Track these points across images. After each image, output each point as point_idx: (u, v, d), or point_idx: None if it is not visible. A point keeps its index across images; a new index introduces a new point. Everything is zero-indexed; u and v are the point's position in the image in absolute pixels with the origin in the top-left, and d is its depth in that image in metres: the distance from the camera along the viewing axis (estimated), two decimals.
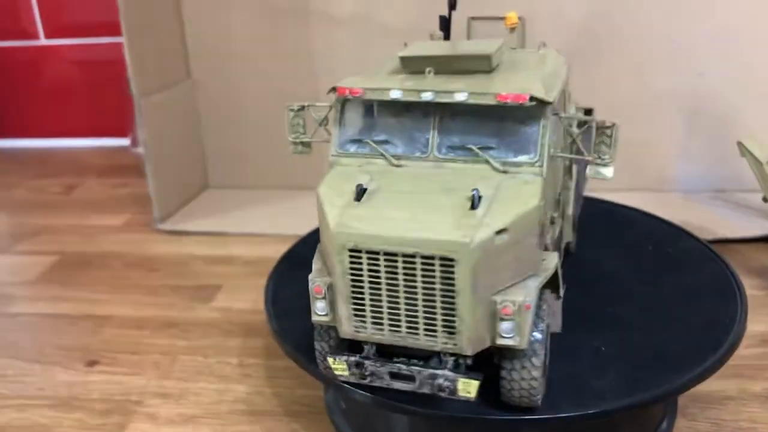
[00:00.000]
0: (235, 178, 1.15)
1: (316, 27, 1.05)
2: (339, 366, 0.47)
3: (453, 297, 0.43)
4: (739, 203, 0.96)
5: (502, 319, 0.44)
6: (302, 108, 0.53)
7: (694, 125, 1.00)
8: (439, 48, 0.52)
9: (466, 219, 0.43)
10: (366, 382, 0.47)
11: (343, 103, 0.51)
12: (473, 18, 0.65)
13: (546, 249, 0.50)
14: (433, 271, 0.43)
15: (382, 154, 0.49)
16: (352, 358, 0.47)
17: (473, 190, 0.44)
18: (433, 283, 0.43)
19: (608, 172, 0.46)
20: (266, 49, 1.08)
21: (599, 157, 0.46)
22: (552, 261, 0.48)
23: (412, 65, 0.50)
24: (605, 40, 1.00)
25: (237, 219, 1.03)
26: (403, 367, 0.46)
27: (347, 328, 0.46)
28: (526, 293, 0.44)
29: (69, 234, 1.05)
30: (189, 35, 1.10)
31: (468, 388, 0.44)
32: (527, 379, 0.45)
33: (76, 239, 1.03)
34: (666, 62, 1.00)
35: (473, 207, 0.43)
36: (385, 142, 0.50)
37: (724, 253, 0.80)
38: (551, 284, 0.49)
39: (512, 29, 0.57)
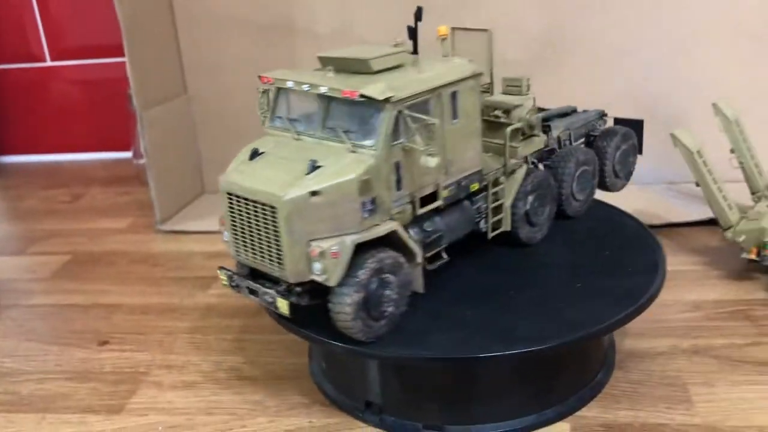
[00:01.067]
0: None
1: (301, 43, 1.15)
2: (222, 277, 0.64)
3: (278, 236, 0.56)
4: (687, 193, 1.05)
5: (313, 260, 0.55)
6: (266, 91, 0.65)
7: (645, 125, 1.10)
8: (343, 51, 0.63)
9: (295, 180, 0.55)
10: (235, 291, 0.63)
11: (278, 89, 0.63)
12: (455, 28, 0.74)
13: (386, 217, 0.58)
14: (266, 214, 0.56)
15: (287, 129, 0.62)
16: (227, 271, 0.63)
17: (311, 160, 0.56)
18: (267, 223, 0.56)
19: (431, 162, 0.57)
20: (255, 64, 1.17)
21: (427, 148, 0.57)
22: (384, 227, 0.58)
23: (324, 63, 0.64)
24: (561, 50, 1.10)
25: None
26: (252, 283, 0.61)
27: (232, 251, 0.62)
28: (337, 244, 0.55)
29: (78, 236, 1.15)
30: (185, 53, 1.20)
31: (282, 306, 0.58)
32: (341, 312, 0.57)
33: (85, 240, 1.13)
34: (616, 68, 1.10)
35: (308, 173, 0.56)
36: (296, 120, 0.62)
37: (671, 237, 0.91)
38: (402, 249, 0.60)
39: (443, 40, 0.67)
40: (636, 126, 0.84)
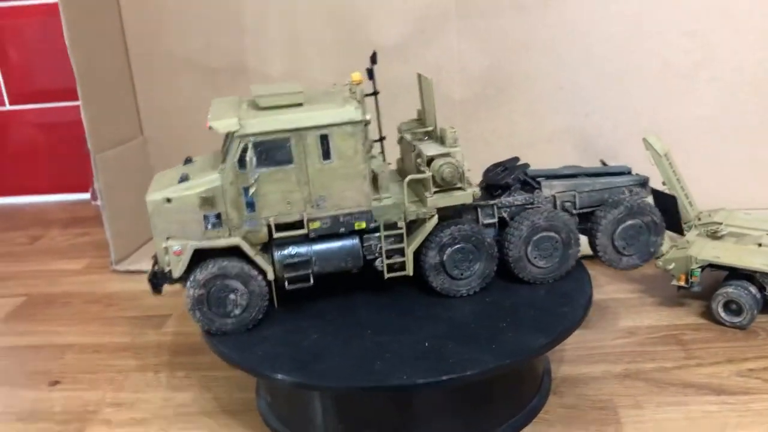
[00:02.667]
0: None
1: (252, 85, 1.19)
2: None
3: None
4: None
5: (165, 254, 0.67)
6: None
7: (585, 158, 1.14)
8: (257, 90, 0.70)
9: (164, 188, 0.67)
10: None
11: None
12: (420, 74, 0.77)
13: (236, 233, 0.68)
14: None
15: None
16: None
17: (183, 174, 0.68)
18: None
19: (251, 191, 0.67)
20: (207, 108, 1.21)
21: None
22: (225, 241, 0.67)
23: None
24: (504, 89, 1.15)
25: None
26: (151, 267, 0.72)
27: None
28: (180, 245, 0.67)
29: (34, 278, 1.15)
30: (140, 96, 1.23)
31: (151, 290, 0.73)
32: (188, 305, 0.68)
33: (41, 282, 1.13)
34: (557, 105, 1.15)
35: (178, 183, 0.67)
36: None
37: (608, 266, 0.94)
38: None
39: (357, 84, 0.70)
40: (666, 202, 0.80)
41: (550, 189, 0.76)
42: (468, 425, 0.66)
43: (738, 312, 0.82)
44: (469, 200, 0.70)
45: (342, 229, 0.69)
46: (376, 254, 0.70)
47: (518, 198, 0.75)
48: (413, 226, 0.71)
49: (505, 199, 0.75)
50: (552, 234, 0.73)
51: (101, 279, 1.13)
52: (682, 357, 0.78)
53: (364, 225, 0.69)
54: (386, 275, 0.71)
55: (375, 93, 0.74)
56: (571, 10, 1.11)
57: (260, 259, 0.68)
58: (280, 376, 0.62)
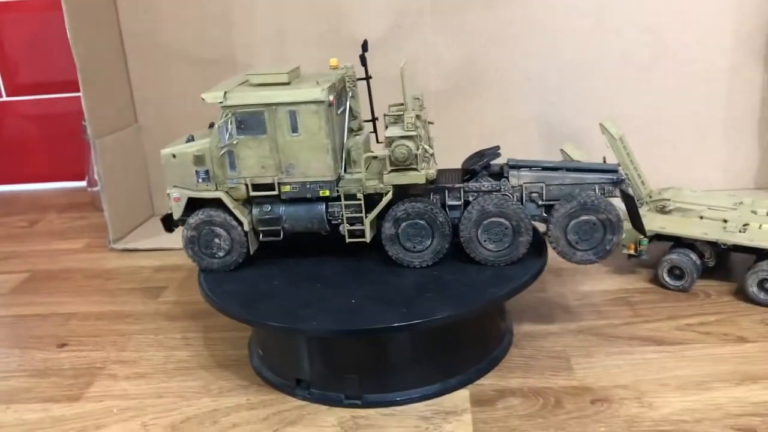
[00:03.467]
0: None
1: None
2: None
3: None
4: None
5: (169, 199, 0.82)
6: None
7: (551, 145, 1.24)
8: (256, 71, 0.81)
9: (174, 146, 0.81)
10: None
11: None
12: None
13: (221, 188, 0.80)
14: None
15: None
16: None
17: (191, 135, 0.83)
18: None
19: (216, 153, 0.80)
20: (198, 98, 1.28)
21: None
22: (211, 193, 0.80)
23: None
24: (476, 79, 1.24)
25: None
26: None
27: None
28: (179, 192, 0.81)
29: (35, 257, 1.23)
30: (135, 87, 1.31)
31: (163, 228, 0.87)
32: (183, 243, 0.83)
33: (43, 260, 1.21)
34: (526, 95, 1.24)
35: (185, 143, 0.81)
36: None
37: None
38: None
39: (334, 68, 0.82)
40: (628, 202, 0.79)
41: (517, 179, 0.78)
42: (438, 369, 0.75)
43: (680, 276, 0.91)
44: (421, 180, 0.75)
45: (309, 195, 0.79)
46: (339, 220, 0.80)
47: (484, 184, 0.78)
48: (377, 198, 0.79)
49: (471, 184, 0.79)
50: (501, 220, 0.77)
51: (100, 257, 1.21)
52: (630, 315, 0.87)
53: (327, 193, 0.79)
54: (347, 239, 0.80)
55: (368, 77, 0.83)
56: (537, 6, 1.20)
57: (238, 212, 0.79)
58: (232, 311, 0.75)
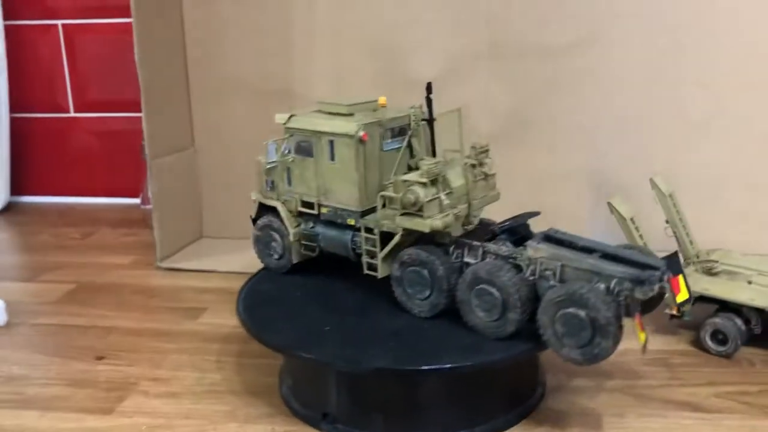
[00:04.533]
0: (226, 230, 1.37)
1: (298, 108, 1.30)
2: None
3: None
4: None
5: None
6: None
7: (599, 195, 1.22)
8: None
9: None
10: None
11: None
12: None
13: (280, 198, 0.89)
14: None
15: None
16: None
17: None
18: None
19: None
20: (257, 125, 1.32)
21: None
22: (272, 201, 0.89)
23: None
24: (528, 126, 1.24)
25: (224, 260, 1.25)
26: None
27: None
28: (255, 197, 0.92)
29: (84, 269, 1.27)
30: (195, 111, 1.35)
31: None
32: (252, 240, 0.94)
33: (90, 272, 1.25)
34: (576, 144, 1.23)
35: None
36: None
37: None
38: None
39: (382, 106, 0.84)
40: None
41: (535, 252, 0.72)
42: (466, 415, 0.74)
43: (724, 341, 0.89)
44: (424, 229, 0.73)
45: (339, 220, 0.83)
46: (360, 251, 0.82)
47: (502, 249, 0.74)
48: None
49: (491, 245, 0.75)
50: (492, 289, 0.71)
51: (146, 274, 1.24)
52: (668, 377, 0.85)
53: (353, 222, 0.82)
54: (365, 270, 0.81)
55: (431, 119, 0.84)
56: (594, 56, 1.20)
57: (288, 223, 0.87)
58: (264, 337, 0.77)
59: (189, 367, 0.91)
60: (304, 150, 0.84)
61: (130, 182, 1.60)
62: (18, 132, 1.69)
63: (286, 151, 0.86)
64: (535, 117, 1.24)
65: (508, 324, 0.71)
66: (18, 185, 1.72)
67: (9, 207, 1.69)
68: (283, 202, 0.88)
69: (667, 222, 1.03)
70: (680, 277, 0.74)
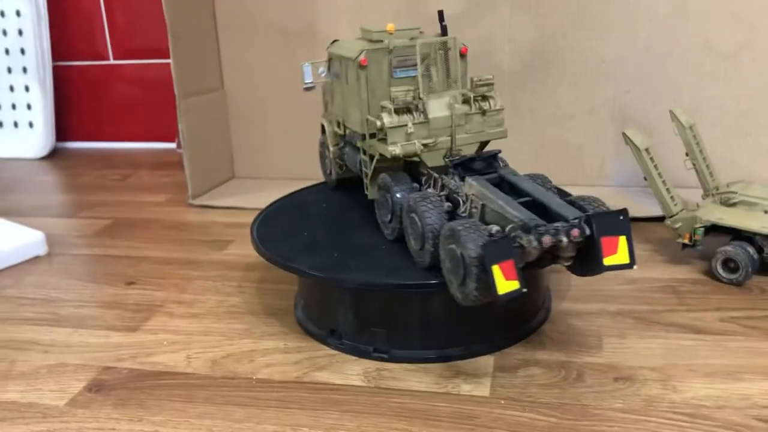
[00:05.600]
0: (256, 170, 1.42)
1: (322, 48, 1.31)
2: None
3: None
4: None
5: None
6: None
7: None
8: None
9: None
10: None
11: None
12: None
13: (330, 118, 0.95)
14: None
15: None
16: None
17: None
18: None
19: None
20: (283, 66, 1.35)
21: None
22: (323, 119, 0.98)
23: None
24: (550, 61, 1.23)
25: (252, 198, 1.29)
26: None
27: None
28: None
29: (121, 206, 1.33)
30: (223, 53, 1.38)
31: None
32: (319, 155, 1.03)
33: (127, 209, 1.31)
34: (599, 79, 1.22)
35: None
36: None
37: (632, 228, 1.00)
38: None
39: (390, 33, 0.83)
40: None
41: (468, 188, 0.71)
42: (466, 333, 0.76)
43: (735, 269, 0.88)
44: (386, 154, 0.76)
45: (353, 142, 0.87)
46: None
47: (451, 183, 0.74)
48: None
49: (445, 179, 0.75)
50: (416, 218, 0.72)
51: (178, 210, 1.29)
52: (675, 303, 0.86)
53: (360, 145, 0.84)
54: (365, 191, 0.86)
55: (446, 48, 0.82)
56: None
57: (329, 141, 0.95)
58: (276, 258, 0.80)
59: (212, 291, 0.96)
60: (335, 73, 0.88)
61: (168, 127, 1.66)
62: (60, 80, 1.76)
63: (322, 74, 0.91)
64: (558, 51, 1.23)
65: (425, 254, 0.71)
66: (63, 132, 1.80)
67: (55, 152, 1.77)
68: (329, 122, 0.94)
69: (687, 154, 1.02)
70: (620, 239, 0.62)
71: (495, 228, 0.64)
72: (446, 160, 0.76)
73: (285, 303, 0.91)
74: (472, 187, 0.70)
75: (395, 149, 0.75)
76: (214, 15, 1.36)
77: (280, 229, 0.87)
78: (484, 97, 0.78)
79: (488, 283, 0.59)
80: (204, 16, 1.34)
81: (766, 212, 0.92)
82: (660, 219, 1.08)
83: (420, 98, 0.77)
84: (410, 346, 0.76)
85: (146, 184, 1.47)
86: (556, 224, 0.62)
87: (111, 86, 1.75)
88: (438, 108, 0.77)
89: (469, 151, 0.78)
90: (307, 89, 0.90)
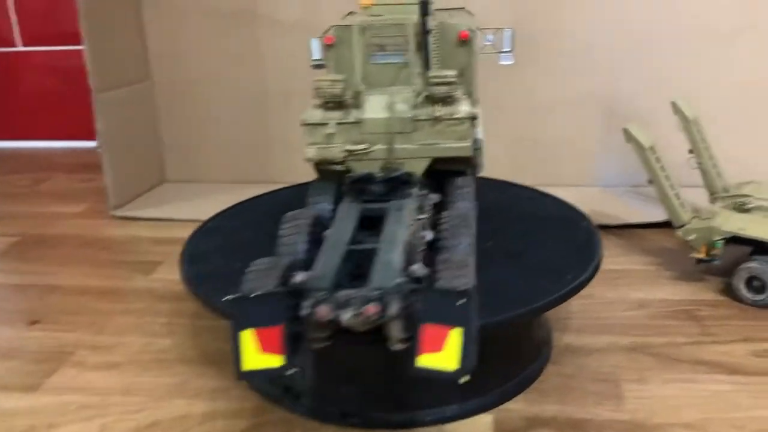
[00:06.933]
0: (190, 173, 1.23)
1: (263, 31, 1.14)
2: None
3: None
4: (649, 195, 1.03)
5: None
6: None
7: (611, 125, 1.08)
8: None
9: None
10: None
11: None
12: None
13: None
14: None
15: None
16: None
17: None
18: None
19: None
20: (220, 52, 1.17)
21: None
22: None
23: None
24: (531, 46, 1.08)
25: (185, 208, 1.11)
26: None
27: None
28: None
29: (31, 219, 1.13)
30: (150, 40, 1.19)
31: None
32: None
33: (38, 223, 1.11)
34: (585, 65, 1.08)
35: None
36: None
37: (626, 237, 0.87)
38: None
39: (366, 7, 0.65)
40: None
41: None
42: (457, 387, 0.61)
43: (761, 289, 0.76)
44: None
45: None
46: None
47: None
48: None
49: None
50: None
51: (98, 223, 1.10)
52: (696, 333, 0.72)
53: None
54: None
55: (426, 31, 0.64)
56: None
57: None
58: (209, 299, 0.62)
59: (136, 331, 0.78)
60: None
61: (89, 123, 1.45)
62: None
63: None
64: (537, 36, 1.08)
65: None
66: None
67: None
68: None
69: (690, 152, 0.89)
70: (451, 332, 0.43)
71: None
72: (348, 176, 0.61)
73: (226, 346, 0.73)
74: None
75: (309, 152, 0.61)
76: None
77: (216, 262, 0.70)
78: (446, 100, 0.61)
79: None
80: None
81: None
82: (658, 226, 0.95)
83: (358, 92, 0.61)
84: (388, 406, 0.61)
85: (62, 190, 1.27)
86: (358, 291, 0.45)
87: (19, 76, 1.53)
88: (377, 107, 0.61)
89: (417, 166, 0.62)
90: (317, 67, 0.68)
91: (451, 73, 0.60)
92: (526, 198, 0.83)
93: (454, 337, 0.42)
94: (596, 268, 0.64)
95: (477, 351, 0.43)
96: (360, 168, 0.61)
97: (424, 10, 0.62)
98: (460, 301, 0.42)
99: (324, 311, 0.44)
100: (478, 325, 0.43)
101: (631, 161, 0.95)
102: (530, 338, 0.67)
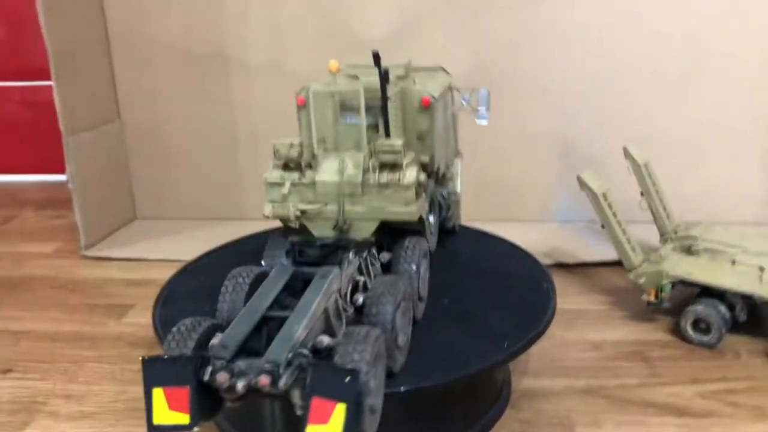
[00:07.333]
0: (161, 210, 1.25)
1: (233, 74, 1.17)
2: None
3: None
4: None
5: None
6: None
7: (569, 164, 1.12)
8: None
9: None
10: None
11: None
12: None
13: None
14: None
15: None
16: None
17: None
18: None
19: None
20: (190, 93, 1.19)
21: None
22: None
23: None
24: (491, 89, 1.12)
25: (157, 246, 1.12)
26: None
27: None
28: None
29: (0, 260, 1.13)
30: (119, 81, 1.21)
31: None
32: None
33: (6, 265, 1.11)
34: (543, 109, 1.13)
35: None
36: None
37: (582, 275, 0.90)
38: None
39: (334, 72, 0.67)
40: None
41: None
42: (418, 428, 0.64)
43: (706, 330, 0.80)
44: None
45: None
46: None
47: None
48: None
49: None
50: None
51: (69, 264, 1.11)
52: (646, 374, 0.76)
53: None
54: None
55: (385, 98, 0.66)
56: (560, 11, 1.09)
57: None
58: None
59: (109, 379, 0.80)
60: None
61: (61, 156, 1.46)
62: None
63: None
64: (496, 79, 1.12)
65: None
66: None
67: None
68: None
69: (642, 194, 0.94)
70: (337, 407, 0.44)
71: None
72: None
73: None
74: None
75: (266, 209, 0.65)
76: (107, 37, 1.18)
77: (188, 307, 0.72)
78: (393, 167, 0.64)
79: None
80: (95, 38, 1.16)
81: (733, 263, 0.84)
82: (615, 264, 0.99)
83: (314, 154, 0.65)
84: None
85: (32, 228, 1.28)
86: (253, 362, 0.48)
87: None
88: (330, 170, 0.64)
89: (367, 227, 0.65)
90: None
91: (398, 143, 0.63)
92: (494, 251, 0.84)
93: (339, 412, 0.44)
94: (537, 336, 0.64)
95: (369, 423, 0.47)
96: (312, 227, 0.65)
97: (384, 79, 0.66)
98: (347, 378, 0.45)
99: (222, 378, 0.47)
100: (373, 400, 0.47)
101: (585, 201, 1.00)
102: (490, 385, 0.71)
